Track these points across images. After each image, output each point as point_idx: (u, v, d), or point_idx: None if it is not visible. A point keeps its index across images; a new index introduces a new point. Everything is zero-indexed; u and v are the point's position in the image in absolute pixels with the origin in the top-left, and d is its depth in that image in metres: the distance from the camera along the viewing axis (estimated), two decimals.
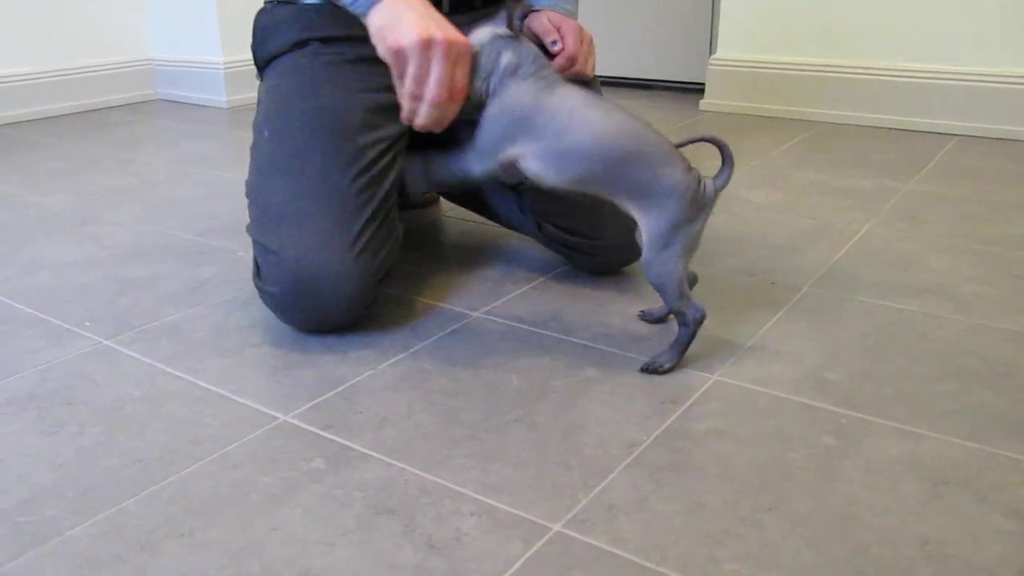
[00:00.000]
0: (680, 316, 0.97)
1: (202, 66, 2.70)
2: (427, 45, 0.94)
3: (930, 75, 2.13)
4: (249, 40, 1.23)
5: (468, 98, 0.96)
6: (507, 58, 0.95)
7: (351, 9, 1.01)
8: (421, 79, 0.95)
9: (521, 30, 0.96)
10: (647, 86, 2.80)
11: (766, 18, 2.34)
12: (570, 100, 0.94)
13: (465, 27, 0.99)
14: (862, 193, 1.63)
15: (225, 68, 2.65)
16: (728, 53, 2.42)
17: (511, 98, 0.94)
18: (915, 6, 2.12)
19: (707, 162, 0.99)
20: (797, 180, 1.73)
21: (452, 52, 0.94)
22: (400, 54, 0.95)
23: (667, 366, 0.97)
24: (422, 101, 0.96)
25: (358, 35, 1.14)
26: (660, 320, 1.09)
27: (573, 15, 1.25)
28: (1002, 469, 0.79)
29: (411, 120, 0.98)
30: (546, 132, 0.93)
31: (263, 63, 1.21)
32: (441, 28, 0.95)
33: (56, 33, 2.59)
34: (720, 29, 2.43)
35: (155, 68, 2.84)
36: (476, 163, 0.98)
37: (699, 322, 0.97)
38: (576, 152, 0.93)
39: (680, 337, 0.97)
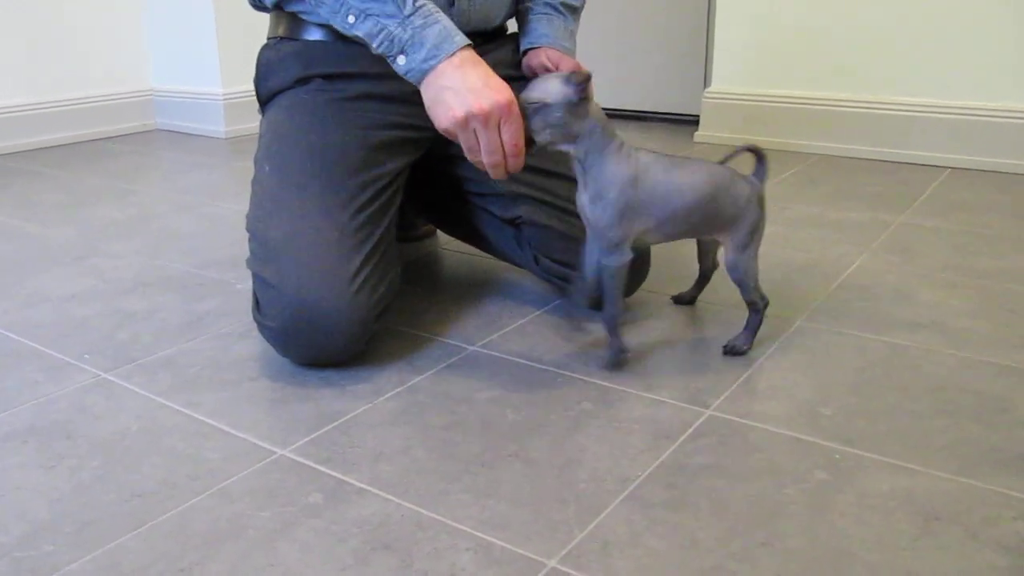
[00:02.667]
0: (752, 305, 1.10)
1: (201, 97, 2.73)
2: (465, 123, 0.98)
3: (922, 108, 2.16)
4: (248, 71, 1.25)
5: (532, 144, 1.00)
6: (582, 128, 0.99)
7: (408, 78, 1.03)
8: (475, 150, 1.00)
9: (587, 95, 0.99)
10: (642, 118, 2.83)
11: (760, 52, 2.37)
12: (655, 166, 1.02)
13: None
14: (855, 226, 1.65)
15: (224, 99, 2.68)
16: (722, 86, 2.45)
17: (610, 181, 1.00)
18: (908, 40, 2.15)
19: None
20: (790, 213, 1.74)
21: (492, 121, 0.98)
22: (449, 134, 1.01)
23: (746, 348, 1.10)
24: (487, 166, 1.01)
25: (361, 72, 1.16)
26: (691, 302, 1.26)
27: (571, 53, 1.27)
28: (994, 504, 0.80)
29: (496, 177, 1.03)
30: (653, 205, 1.02)
31: (266, 98, 1.23)
32: (478, 97, 0.97)
33: (56, 64, 2.62)
34: (714, 62, 2.46)
35: (154, 99, 2.86)
36: (615, 255, 1.03)
37: (766, 306, 1.11)
38: (683, 213, 1.03)
39: (752, 322, 1.11)
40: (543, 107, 0.97)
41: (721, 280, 1.22)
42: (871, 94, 2.22)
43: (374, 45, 1.03)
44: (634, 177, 1.00)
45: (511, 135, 0.99)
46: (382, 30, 1.01)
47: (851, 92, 2.25)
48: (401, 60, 1.02)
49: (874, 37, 2.19)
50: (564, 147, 1.00)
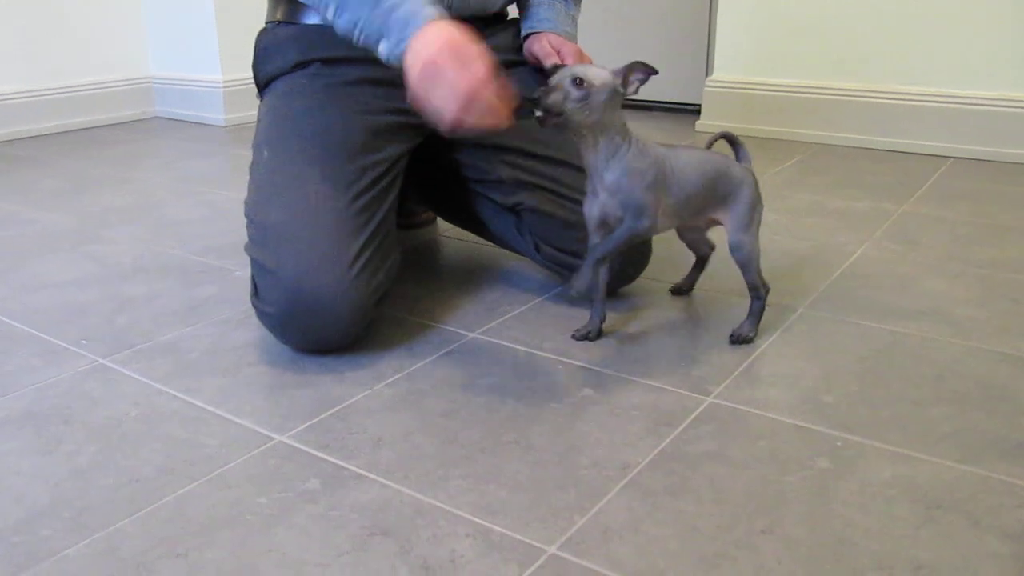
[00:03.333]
0: (755, 291, 1.10)
1: (201, 84, 2.72)
2: (459, 123, 0.95)
3: (925, 97, 2.15)
4: (248, 58, 1.24)
5: (560, 113, 0.96)
6: (612, 119, 0.99)
7: (391, 64, 1.00)
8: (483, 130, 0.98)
9: (633, 91, 0.99)
10: (644, 107, 2.82)
11: (762, 40, 2.36)
12: (668, 154, 1.03)
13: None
14: (857, 215, 1.64)
15: (224, 86, 2.67)
16: (724, 75, 2.44)
17: (632, 167, 1.00)
18: (910, 30, 2.14)
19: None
20: (792, 201, 1.74)
21: (476, 107, 0.94)
22: (460, 124, 0.96)
23: (752, 335, 1.10)
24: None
25: (359, 56, 1.15)
26: (689, 290, 1.25)
27: (573, 38, 1.26)
28: (996, 492, 0.79)
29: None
30: (673, 187, 1.03)
31: (264, 83, 1.22)
32: (454, 97, 0.93)
33: (55, 51, 2.60)
34: (716, 51, 2.45)
35: (154, 86, 2.85)
36: (644, 220, 1.01)
37: (768, 292, 1.11)
38: (695, 195, 1.05)
39: (754, 308, 1.10)
40: (589, 88, 0.96)
41: (720, 267, 1.22)
42: (873, 83, 2.21)
43: (354, 38, 1.02)
44: (654, 162, 1.01)
45: (500, 99, 0.95)
46: (357, 22, 1.00)
47: (853, 81, 2.24)
48: (382, 48, 1.00)
49: (876, 26, 2.18)
50: (585, 132, 0.98)
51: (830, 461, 0.84)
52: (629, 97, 0.99)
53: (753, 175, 1.10)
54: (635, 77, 0.98)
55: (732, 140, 1.13)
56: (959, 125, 2.10)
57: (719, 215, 1.09)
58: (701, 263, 1.24)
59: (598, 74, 0.97)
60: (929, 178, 1.91)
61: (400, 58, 0.98)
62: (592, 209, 1.03)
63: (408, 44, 0.96)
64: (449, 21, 0.98)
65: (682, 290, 1.25)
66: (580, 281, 1.03)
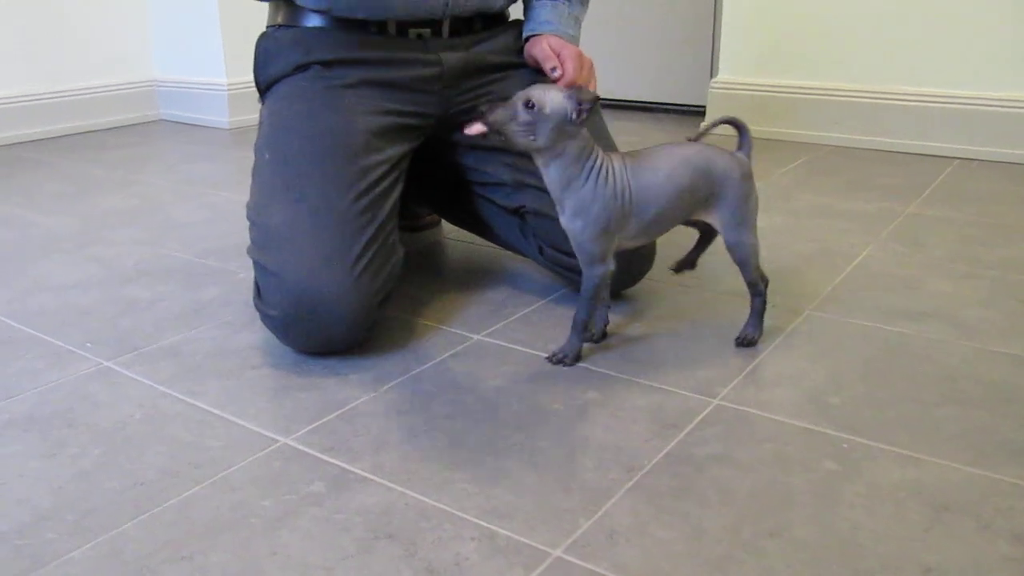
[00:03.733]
0: (754, 287, 1.08)
1: (205, 87, 2.72)
2: None
3: (930, 98, 2.14)
4: (252, 62, 1.24)
5: (499, 133, 0.95)
6: (565, 147, 0.96)
7: None
8: None
9: (584, 120, 0.95)
10: (649, 109, 2.81)
11: (767, 42, 2.35)
12: (633, 173, 0.99)
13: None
14: (863, 216, 1.63)
15: (228, 89, 2.67)
16: (729, 76, 2.43)
17: (591, 198, 0.97)
18: (916, 31, 2.13)
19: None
20: (798, 203, 1.73)
21: None
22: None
23: (756, 336, 1.08)
24: None
25: (360, 58, 1.16)
26: (691, 266, 1.16)
27: (574, 40, 1.26)
28: (1005, 495, 0.78)
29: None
30: (634, 215, 1.00)
31: (265, 87, 1.22)
32: None
33: (59, 54, 2.61)
34: (721, 52, 2.44)
35: (158, 89, 2.85)
36: (597, 267, 1.01)
37: (767, 286, 1.09)
38: (666, 212, 1.01)
39: (756, 307, 1.09)
40: (539, 113, 0.93)
41: (721, 268, 1.21)
42: (878, 84, 2.20)
43: None
44: (615, 192, 0.98)
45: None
46: None
47: (858, 82, 2.23)
48: None
49: (881, 27, 2.17)
50: (535, 155, 0.97)
51: (837, 463, 0.84)
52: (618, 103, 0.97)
53: (743, 165, 1.04)
54: (584, 105, 0.94)
55: (736, 125, 1.06)
56: (966, 126, 2.10)
57: (704, 216, 1.04)
58: (705, 239, 1.16)
59: (552, 99, 0.94)
60: (936, 179, 1.90)
61: None
62: (562, 218, 1.01)
63: None
64: None
65: (683, 266, 1.17)
66: (569, 350, 1.04)
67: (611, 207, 0.98)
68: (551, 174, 0.98)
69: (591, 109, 0.94)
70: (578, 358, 1.05)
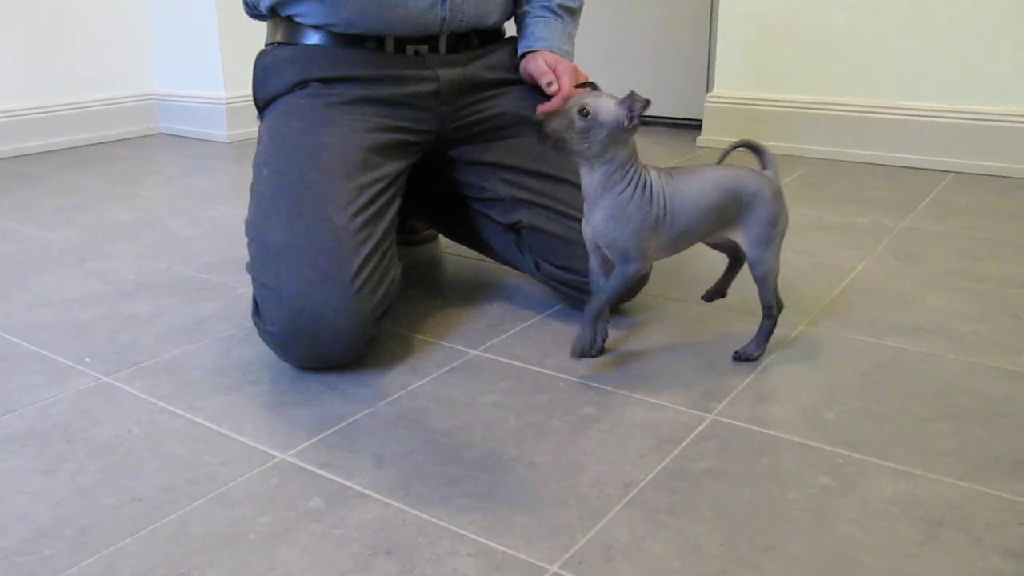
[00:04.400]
0: (768, 309, 1.08)
1: (204, 101, 2.73)
2: None
3: (925, 112, 2.15)
4: (251, 76, 1.25)
5: (560, 140, 0.96)
6: (616, 152, 0.98)
7: None
8: None
9: (637, 124, 0.98)
10: (644, 122, 2.82)
11: (762, 55, 2.37)
12: (668, 188, 1.01)
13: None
14: (857, 230, 1.64)
15: (227, 103, 2.68)
16: (724, 90, 2.45)
17: (628, 202, 0.99)
18: (910, 44, 2.15)
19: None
20: (793, 217, 1.72)
21: None
22: None
23: (757, 354, 1.09)
24: None
25: (357, 75, 1.16)
26: (722, 295, 1.18)
27: (569, 56, 1.27)
28: (998, 510, 0.79)
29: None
30: (666, 227, 1.01)
31: (263, 104, 1.23)
32: None
33: (59, 68, 2.62)
34: (716, 66, 2.46)
35: (157, 103, 2.87)
36: (634, 263, 1.01)
37: (780, 311, 1.09)
38: (693, 228, 1.03)
39: (765, 327, 1.09)
40: (593, 120, 0.95)
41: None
42: (873, 98, 2.22)
43: None
44: (651, 201, 0.99)
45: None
46: None
47: (853, 96, 2.25)
48: None
49: (876, 41, 2.19)
50: (583, 159, 0.98)
51: (832, 478, 0.84)
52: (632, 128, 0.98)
53: (774, 185, 1.06)
54: (636, 111, 0.96)
55: (755, 148, 1.08)
56: (959, 140, 2.11)
57: (730, 234, 1.06)
58: (734, 266, 1.17)
59: (606, 107, 0.96)
60: (930, 193, 1.91)
61: None
62: (587, 232, 1.03)
63: None
64: None
65: (714, 295, 1.19)
66: (583, 339, 1.04)
67: (646, 214, 0.99)
68: (594, 177, 0.99)
69: (642, 113, 0.96)
70: (601, 347, 1.07)
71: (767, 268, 1.06)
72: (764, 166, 1.08)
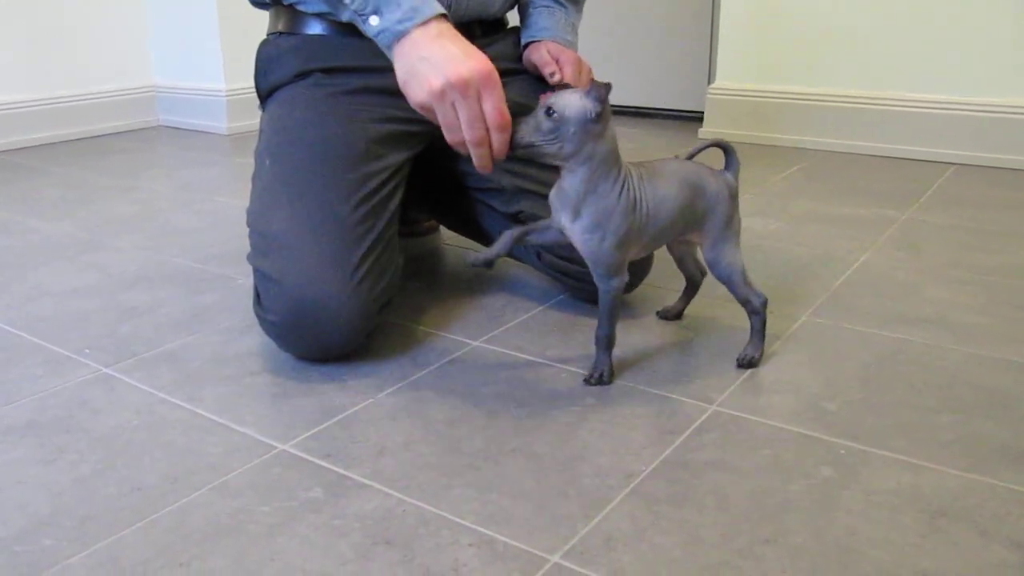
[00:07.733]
0: (747, 305, 1.06)
1: (204, 93, 2.72)
2: (441, 95, 0.94)
3: (928, 104, 2.15)
4: (252, 68, 1.24)
5: (530, 146, 0.93)
6: (593, 150, 0.93)
7: (379, 41, 1.00)
8: (454, 128, 0.95)
9: (605, 110, 0.93)
10: (647, 114, 2.82)
11: (764, 47, 2.36)
12: (644, 184, 0.98)
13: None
14: (860, 222, 1.64)
15: (227, 95, 2.67)
16: (727, 82, 2.44)
17: (612, 210, 0.95)
18: (913, 36, 2.14)
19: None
20: (795, 209, 1.74)
21: (471, 89, 0.93)
22: (425, 110, 0.97)
23: (757, 356, 1.06)
24: (469, 145, 0.95)
25: (360, 66, 1.16)
26: (677, 316, 1.19)
27: (572, 46, 1.26)
28: (1002, 500, 0.79)
29: (481, 168, 0.97)
30: (647, 227, 0.98)
31: (265, 94, 1.23)
32: (456, 65, 0.93)
33: (59, 60, 2.61)
34: (719, 58, 2.45)
35: (157, 95, 2.86)
36: (615, 279, 0.99)
37: (764, 305, 1.06)
38: (668, 226, 1.00)
39: (755, 325, 1.06)
40: (560, 119, 0.91)
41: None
42: (876, 90, 2.21)
43: (347, 0, 1.00)
44: (635, 203, 0.96)
45: (493, 105, 0.93)
46: None
47: (855, 88, 2.24)
48: (374, 21, 0.98)
49: (879, 33, 2.18)
50: (560, 163, 0.94)
51: (834, 469, 0.84)
52: (611, 111, 0.93)
53: (731, 187, 1.03)
54: (600, 96, 0.91)
55: (724, 148, 1.05)
56: (962, 131, 2.10)
57: (691, 235, 1.04)
58: (692, 289, 1.18)
59: (570, 102, 0.92)
60: (932, 185, 1.91)
61: (397, 37, 0.97)
62: (572, 227, 0.97)
63: (411, 31, 0.96)
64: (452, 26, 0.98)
65: (669, 315, 1.19)
66: (602, 367, 1.02)
67: (630, 218, 0.96)
68: (576, 179, 0.94)
69: (606, 98, 0.92)
70: (612, 373, 1.03)
71: (727, 267, 1.03)
72: (727, 166, 1.05)
